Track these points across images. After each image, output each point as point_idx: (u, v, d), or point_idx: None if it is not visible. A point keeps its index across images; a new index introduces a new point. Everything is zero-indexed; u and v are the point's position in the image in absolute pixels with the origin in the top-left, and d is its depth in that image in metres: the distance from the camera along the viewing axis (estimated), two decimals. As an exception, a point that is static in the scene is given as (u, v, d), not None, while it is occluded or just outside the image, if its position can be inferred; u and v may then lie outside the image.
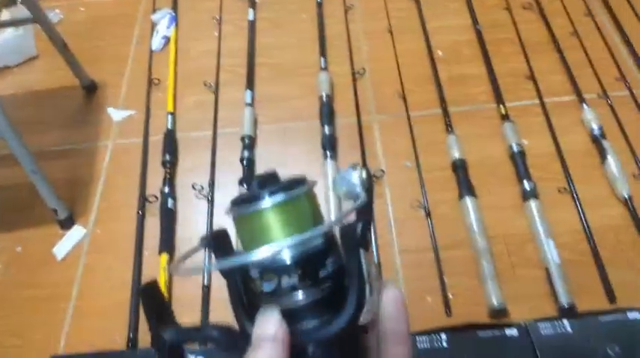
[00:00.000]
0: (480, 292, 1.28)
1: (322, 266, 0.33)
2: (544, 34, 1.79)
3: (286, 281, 0.33)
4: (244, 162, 1.53)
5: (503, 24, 1.82)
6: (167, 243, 1.39)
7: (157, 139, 1.62)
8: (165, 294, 1.30)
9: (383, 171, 1.49)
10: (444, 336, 1.10)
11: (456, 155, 1.50)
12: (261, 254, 0.32)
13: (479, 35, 1.80)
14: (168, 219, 1.44)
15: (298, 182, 0.35)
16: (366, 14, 1.91)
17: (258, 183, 0.34)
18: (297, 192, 0.34)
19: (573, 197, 1.42)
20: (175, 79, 1.79)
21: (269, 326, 0.32)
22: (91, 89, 1.80)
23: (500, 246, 1.36)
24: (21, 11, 1.78)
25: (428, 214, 1.41)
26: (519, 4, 1.88)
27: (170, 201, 1.46)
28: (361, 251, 0.33)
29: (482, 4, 1.90)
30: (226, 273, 0.36)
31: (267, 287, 0.33)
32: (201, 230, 1.42)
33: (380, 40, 1.81)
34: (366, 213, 0.35)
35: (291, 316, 0.33)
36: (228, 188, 1.50)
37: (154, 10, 2.01)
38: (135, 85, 1.79)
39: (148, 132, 1.65)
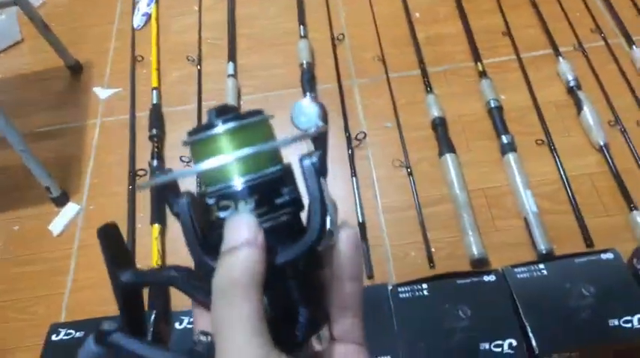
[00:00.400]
0: (462, 244, 1.33)
1: (278, 194, 0.33)
2: (519, -12, 1.80)
3: (242, 206, 0.32)
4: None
5: (479, -19, 1.84)
6: (158, 214, 1.44)
7: (143, 115, 1.65)
8: (160, 263, 1.35)
9: (365, 133, 1.53)
10: (424, 285, 1.14)
11: (435, 114, 1.53)
12: (207, 164, 0.32)
13: (455, -6, 1.81)
14: (158, 191, 1.48)
15: (254, 113, 0.35)
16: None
17: (214, 112, 0.34)
18: (251, 120, 0.34)
19: (550, 148, 1.46)
20: (158, 55, 1.81)
21: (242, 229, 0.31)
22: (76, 69, 1.83)
23: (481, 199, 1.41)
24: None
25: (410, 173, 1.45)
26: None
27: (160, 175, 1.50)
28: (322, 179, 0.34)
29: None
30: (178, 208, 0.34)
31: (223, 213, 0.33)
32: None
33: (358, 5, 1.83)
34: (323, 141, 0.35)
35: None
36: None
37: (134, -12, 2.02)
38: (119, 63, 1.82)
39: (135, 108, 1.68)
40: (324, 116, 0.35)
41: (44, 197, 1.51)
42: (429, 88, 1.60)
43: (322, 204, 0.33)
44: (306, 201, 0.34)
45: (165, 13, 1.94)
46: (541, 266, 1.16)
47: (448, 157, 1.45)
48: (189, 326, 1.15)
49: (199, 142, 0.34)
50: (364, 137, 1.52)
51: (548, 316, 1.08)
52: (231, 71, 1.71)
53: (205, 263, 0.33)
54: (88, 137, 1.66)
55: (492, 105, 1.53)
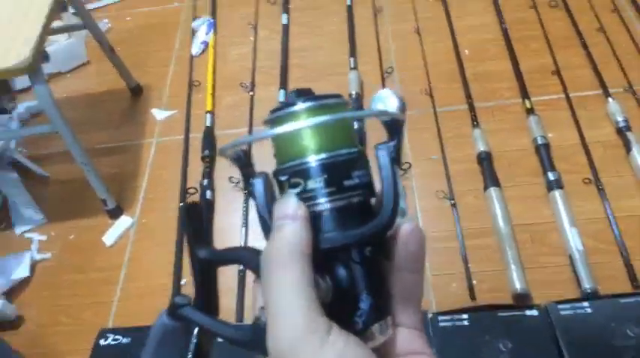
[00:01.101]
0: (504, 278, 1.33)
1: (349, 176, 0.34)
2: (570, 30, 1.83)
3: (311, 184, 0.33)
4: (276, 160, 1.61)
5: (529, 21, 1.87)
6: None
7: (196, 136, 1.72)
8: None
9: (410, 163, 1.55)
10: (465, 316, 1.15)
11: (482, 148, 1.55)
12: (282, 128, 0.33)
13: (505, 33, 1.85)
14: (207, 209, 1.54)
15: (333, 96, 0.35)
16: (395, 16, 1.99)
17: (294, 92, 0.35)
18: (330, 101, 0.35)
19: (598, 187, 1.45)
20: (214, 81, 1.90)
21: (287, 206, 0.33)
22: (136, 91, 1.93)
23: (525, 234, 1.41)
24: (72, 19, 1.93)
25: (454, 205, 1.47)
26: (545, 2, 1.92)
27: (209, 193, 1.56)
28: (396, 167, 0.34)
29: (508, 3, 1.95)
30: (253, 187, 0.36)
31: (293, 190, 0.33)
32: (237, 220, 1.51)
33: (408, 40, 1.88)
34: (399, 132, 0.35)
35: (315, 221, 0.33)
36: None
37: (194, 18, 2.13)
38: (176, 87, 1.91)
39: (189, 129, 1.76)
40: (403, 108, 0.37)
41: (100, 209, 1.58)
42: (475, 122, 1.62)
43: (395, 188, 0.33)
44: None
45: (222, 41, 2.03)
46: (585, 304, 1.15)
47: (493, 191, 1.46)
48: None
49: (279, 119, 0.35)
50: (409, 167, 1.55)
51: (591, 354, 1.06)
52: (282, 98, 1.77)
53: None
54: (145, 155, 1.74)
55: (539, 142, 1.54)
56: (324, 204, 0.33)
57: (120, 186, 1.65)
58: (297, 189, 0.34)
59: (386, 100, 0.37)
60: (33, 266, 1.50)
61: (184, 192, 1.59)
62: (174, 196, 1.59)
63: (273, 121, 0.36)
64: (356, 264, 0.34)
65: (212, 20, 2.10)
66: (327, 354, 0.30)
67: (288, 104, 0.35)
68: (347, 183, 0.34)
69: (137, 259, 1.49)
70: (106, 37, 1.84)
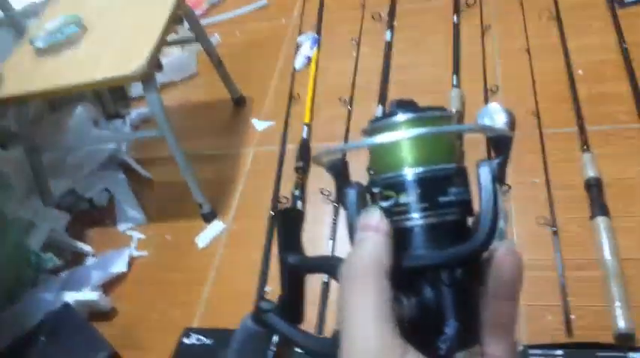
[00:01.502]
0: (607, 316, 1.21)
1: (444, 192, 0.32)
2: (700, 52, 1.66)
3: (404, 198, 0.32)
4: (370, 171, 1.59)
5: (652, 43, 1.72)
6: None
7: (293, 148, 1.75)
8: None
9: (509, 186, 1.47)
10: (559, 352, 1.06)
11: (591, 173, 1.44)
12: (381, 138, 0.33)
13: (625, 54, 1.71)
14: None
15: (437, 108, 0.34)
16: (504, 34, 1.91)
17: (395, 103, 0.34)
18: (432, 114, 0.34)
19: None
20: (313, 95, 1.92)
21: (371, 218, 0.32)
22: (239, 102, 2.00)
23: (634, 270, 1.28)
24: (187, 33, 2.04)
25: (555, 232, 1.37)
26: (673, 22, 1.76)
27: (299, 203, 1.57)
28: (497, 185, 0.32)
29: (630, 22, 1.81)
30: (347, 197, 0.35)
31: (385, 203, 0.33)
32: (326, 232, 1.50)
33: (516, 59, 1.80)
34: (506, 149, 0.34)
35: (404, 237, 0.32)
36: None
37: (300, 33, 2.17)
38: (277, 99, 1.95)
39: (286, 140, 1.79)
40: (512, 124, 0.34)
41: (196, 212, 1.64)
42: (585, 146, 1.51)
43: (495, 209, 0.32)
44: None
45: (325, 56, 2.06)
46: (702, 352, 1.02)
47: (600, 220, 1.34)
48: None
49: (378, 129, 0.34)
50: (509, 190, 1.47)
51: None
52: (379, 113, 1.75)
53: None
54: (242, 163, 1.79)
55: (658, 171, 1.40)
56: (416, 219, 0.32)
57: (216, 191, 1.71)
58: (389, 203, 0.33)
59: (493, 115, 0.34)
60: (130, 262, 1.58)
61: (276, 201, 1.61)
62: (266, 205, 1.61)
63: (371, 131, 0.35)
64: (445, 286, 0.32)
65: (317, 36, 2.13)
66: None
67: (388, 114, 0.34)
68: (442, 199, 0.32)
69: (226, 263, 1.53)
70: (216, 50, 1.92)
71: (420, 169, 0.32)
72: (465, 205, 0.33)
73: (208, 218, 1.63)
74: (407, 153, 0.33)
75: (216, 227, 1.61)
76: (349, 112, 1.81)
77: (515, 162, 1.54)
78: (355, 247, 0.32)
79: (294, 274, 0.38)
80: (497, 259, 0.32)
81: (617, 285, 1.24)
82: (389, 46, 2.00)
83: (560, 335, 1.21)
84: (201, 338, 1.27)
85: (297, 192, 1.61)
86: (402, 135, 0.33)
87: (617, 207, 1.38)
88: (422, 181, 0.32)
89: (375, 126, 0.34)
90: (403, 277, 0.31)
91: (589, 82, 1.68)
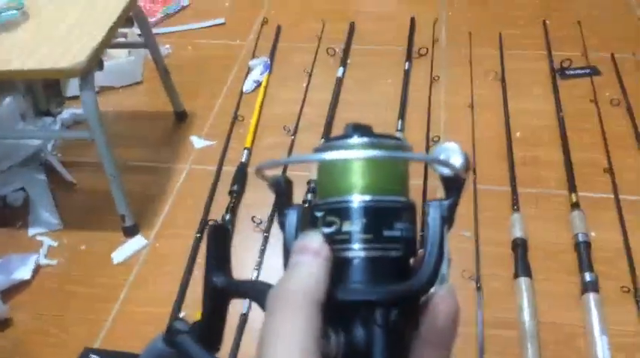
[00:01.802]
0: (520, 377, 1.22)
1: (390, 226, 0.31)
2: (629, 130, 1.75)
3: (347, 226, 0.30)
4: (306, 204, 1.57)
5: (587, 114, 1.80)
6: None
7: (229, 170, 1.70)
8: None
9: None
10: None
11: (518, 233, 1.46)
12: (333, 155, 0.31)
13: (561, 122, 1.78)
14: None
15: (394, 137, 0.33)
16: (451, 87, 1.95)
17: (351, 127, 0.33)
18: (389, 142, 0.32)
19: (636, 299, 1.34)
20: (258, 119, 1.89)
21: (312, 241, 0.30)
22: (181, 116, 1.94)
23: (550, 334, 1.30)
24: (136, 39, 1.97)
25: (479, 287, 1.37)
26: (607, 99, 1.85)
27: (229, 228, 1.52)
28: (445, 228, 0.31)
29: (569, 93, 1.89)
30: (286, 218, 0.33)
31: (327, 230, 0.31)
32: (251, 262, 1.46)
33: (460, 113, 1.84)
34: (457, 191, 0.33)
35: (341, 268, 0.30)
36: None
37: (253, 57, 2.15)
38: (221, 119, 1.91)
39: (223, 162, 1.74)
40: (467, 167, 0.33)
41: (117, 225, 1.55)
42: (516, 206, 1.54)
43: (440, 251, 0.31)
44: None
45: (275, 83, 2.04)
46: None
47: (523, 281, 1.36)
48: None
49: (330, 148, 0.32)
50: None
51: None
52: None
53: None
54: (174, 179, 1.72)
55: (580, 239, 1.44)
56: (356, 250, 0.30)
57: (142, 205, 1.63)
58: (331, 229, 0.31)
59: (450, 154, 0.33)
60: (36, 270, 1.47)
61: (204, 222, 1.55)
62: (194, 226, 1.55)
63: (324, 149, 0.32)
64: (377, 326, 0.30)
65: (269, 62, 2.11)
66: None
67: (343, 136, 0.32)
68: (387, 233, 0.31)
69: (141, 282, 1.44)
70: (164, 60, 1.87)
71: (369, 197, 0.31)
72: (410, 243, 0.31)
73: (130, 232, 1.55)
74: (357, 178, 0.31)
75: (136, 243, 1.53)
76: (292, 142, 1.79)
77: (448, 214, 1.55)
78: (289, 271, 0.29)
79: (218, 296, 0.35)
80: (433, 302, 0.31)
81: (532, 348, 1.25)
82: (340, 82, 2.01)
83: (473, 393, 1.20)
84: (102, 360, 1.19)
85: (227, 216, 1.56)
86: (356, 154, 0.31)
87: (539, 270, 1.41)
88: (369, 210, 0.31)
89: (328, 144, 0.32)
90: (334, 310, 0.29)
91: (525, 145, 1.74)
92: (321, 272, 0.29)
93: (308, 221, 0.33)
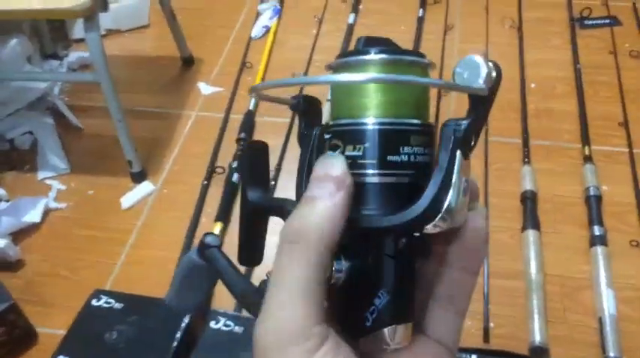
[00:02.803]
0: (524, 327, 1.22)
1: (396, 150, 0.29)
2: (647, 84, 1.71)
3: (350, 150, 0.29)
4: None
5: (605, 67, 1.75)
6: (224, 213, 1.44)
7: (236, 117, 1.68)
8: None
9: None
10: (474, 357, 1.06)
11: (528, 186, 1.45)
12: (342, 77, 0.29)
13: (577, 74, 1.74)
14: (230, 192, 1.48)
15: (414, 53, 0.30)
16: (465, 36, 1.90)
17: (363, 40, 0.30)
18: (409, 59, 0.30)
19: (646, 253, 1.33)
20: (266, 66, 1.85)
21: (334, 168, 0.28)
22: (188, 62, 1.90)
23: (556, 286, 1.30)
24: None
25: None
26: (627, 51, 1.80)
27: (235, 176, 1.51)
28: (459, 152, 0.28)
29: (587, 44, 1.84)
30: (302, 136, 0.33)
31: (331, 153, 0.30)
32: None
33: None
34: (482, 109, 0.29)
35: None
36: (293, 175, 1.52)
37: (262, 1, 2.09)
38: (228, 66, 1.87)
39: (230, 109, 1.71)
40: (495, 80, 0.29)
41: (124, 170, 1.55)
42: (527, 159, 1.52)
43: (446, 176, 0.28)
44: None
45: (284, 29, 1.99)
46: (607, 373, 1.05)
47: (531, 233, 1.36)
48: (224, 328, 1.12)
49: (345, 66, 0.30)
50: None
51: None
52: (329, 96, 1.70)
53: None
54: (181, 126, 1.70)
55: (592, 192, 1.43)
56: (369, 176, 0.29)
57: (149, 151, 1.62)
58: (335, 154, 0.29)
59: (472, 69, 0.29)
60: (46, 213, 1.48)
61: (211, 170, 1.54)
62: (201, 172, 1.54)
63: (336, 67, 0.30)
64: (385, 255, 0.29)
65: (278, 7, 2.06)
66: None
67: (358, 51, 0.29)
68: (390, 157, 0.29)
69: (149, 227, 1.45)
70: (170, 3, 1.82)
71: (381, 120, 0.29)
72: (420, 167, 0.29)
73: (137, 178, 1.55)
74: (369, 99, 0.29)
75: (144, 188, 1.53)
76: (300, 90, 1.75)
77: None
78: (304, 205, 0.27)
79: (255, 213, 0.34)
80: (463, 232, 0.29)
81: (537, 299, 1.25)
82: (351, 28, 1.96)
83: (478, 341, 1.21)
84: (111, 301, 1.20)
85: (234, 164, 1.54)
86: (356, 78, 0.28)
87: (548, 223, 1.40)
88: (377, 133, 0.29)
89: (342, 62, 0.30)
90: (344, 236, 0.27)
91: (540, 96, 1.70)
92: (338, 212, 0.27)
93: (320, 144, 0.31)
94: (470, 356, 1.06)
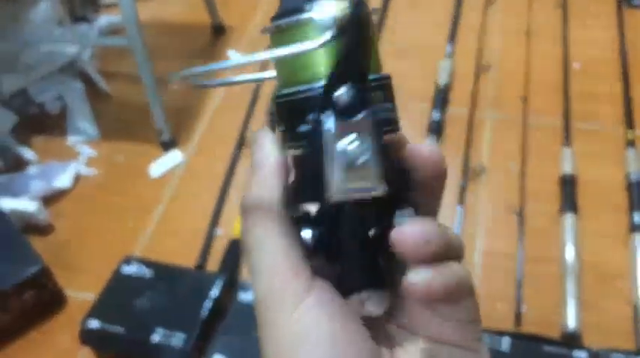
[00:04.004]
0: (557, 312, 1.19)
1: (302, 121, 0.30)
2: (699, 67, 1.63)
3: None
4: None
5: (653, 48, 1.68)
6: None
7: (268, 88, 1.64)
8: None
9: (483, 167, 1.43)
10: (506, 339, 1.03)
11: (568, 169, 1.40)
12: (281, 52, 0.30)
13: (623, 55, 1.67)
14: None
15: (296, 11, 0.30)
16: (507, 11, 1.84)
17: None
18: (284, 23, 0.30)
19: (688, 243, 1.28)
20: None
21: (265, 149, 0.32)
22: (218, 30, 1.87)
23: (592, 272, 1.26)
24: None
25: (521, 222, 1.33)
26: (678, 31, 1.73)
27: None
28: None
29: (634, 24, 1.76)
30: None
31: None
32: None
33: (514, 39, 1.73)
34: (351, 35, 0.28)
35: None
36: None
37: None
38: (259, 33, 1.83)
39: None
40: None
41: (154, 138, 1.53)
42: (567, 140, 1.47)
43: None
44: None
45: None
46: (641, 359, 1.02)
47: (569, 217, 1.32)
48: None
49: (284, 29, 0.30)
50: (482, 171, 1.42)
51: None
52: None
53: None
54: (213, 94, 1.67)
55: (634, 178, 1.38)
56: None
57: (179, 120, 1.59)
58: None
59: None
60: (76, 178, 1.47)
61: (242, 140, 1.52)
62: (232, 143, 1.52)
63: (275, 27, 0.32)
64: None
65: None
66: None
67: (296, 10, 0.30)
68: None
69: (178, 197, 1.44)
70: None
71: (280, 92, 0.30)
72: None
73: (167, 146, 1.53)
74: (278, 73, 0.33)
75: (173, 157, 1.51)
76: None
77: (495, 145, 1.49)
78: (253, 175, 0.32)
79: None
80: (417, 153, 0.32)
81: (572, 284, 1.22)
82: (386, 1, 1.90)
83: (509, 324, 1.19)
84: (143, 267, 1.19)
85: (265, 135, 1.52)
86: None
87: (586, 208, 1.35)
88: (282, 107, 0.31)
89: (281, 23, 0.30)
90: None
91: (583, 77, 1.64)
92: (279, 181, 0.31)
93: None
94: (501, 338, 1.03)
